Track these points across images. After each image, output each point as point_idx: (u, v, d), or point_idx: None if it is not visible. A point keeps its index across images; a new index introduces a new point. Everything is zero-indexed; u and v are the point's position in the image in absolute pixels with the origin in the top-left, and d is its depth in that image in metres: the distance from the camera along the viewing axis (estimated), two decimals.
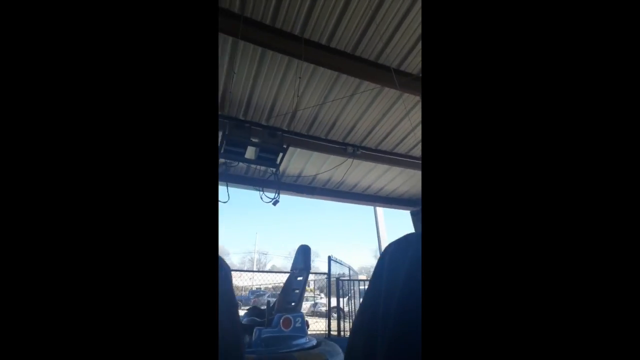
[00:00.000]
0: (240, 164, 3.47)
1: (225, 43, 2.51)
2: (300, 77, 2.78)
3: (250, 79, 2.87)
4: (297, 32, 2.40)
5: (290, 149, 3.46)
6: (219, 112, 3.13)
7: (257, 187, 4.04)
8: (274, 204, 3.72)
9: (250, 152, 3.25)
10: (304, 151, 3.79)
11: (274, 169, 3.39)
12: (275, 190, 3.72)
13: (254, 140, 3.11)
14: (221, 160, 3.29)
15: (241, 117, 3.28)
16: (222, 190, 3.64)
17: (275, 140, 3.14)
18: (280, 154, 3.19)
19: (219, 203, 3.38)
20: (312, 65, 2.68)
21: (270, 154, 3.17)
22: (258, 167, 3.81)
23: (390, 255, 0.38)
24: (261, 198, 3.80)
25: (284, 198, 4.04)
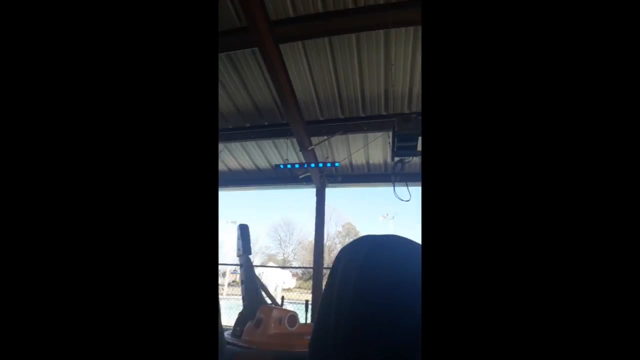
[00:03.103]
0: (414, 159, 3.20)
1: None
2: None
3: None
4: None
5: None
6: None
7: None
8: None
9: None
10: None
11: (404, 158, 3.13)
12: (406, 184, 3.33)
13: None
14: (395, 158, 3.15)
15: (383, 112, 3.40)
16: (401, 190, 3.28)
17: (410, 125, 2.89)
18: (419, 139, 2.93)
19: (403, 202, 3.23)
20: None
21: (408, 141, 2.95)
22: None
23: (344, 257, 0.38)
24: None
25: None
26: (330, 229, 24.76)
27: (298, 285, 22.76)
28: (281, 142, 4.30)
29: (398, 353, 0.28)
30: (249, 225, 3.39)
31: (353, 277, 0.33)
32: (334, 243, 24.42)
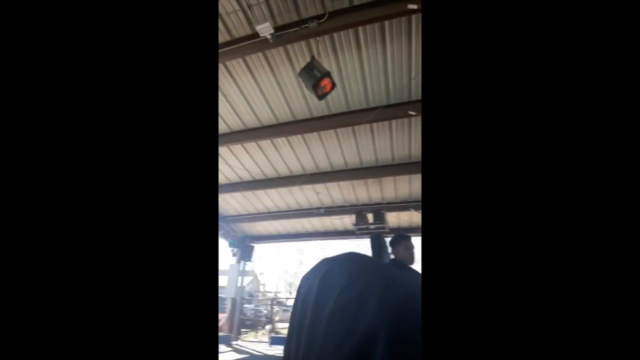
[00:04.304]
0: None
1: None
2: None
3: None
4: None
5: None
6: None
7: None
8: None
9: None
10: None
11: None
12: None
13: None
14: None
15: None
16: None
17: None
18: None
19: None
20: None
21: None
22: None
23: (305, 283, 0.38)
24: None
25: None
26: None
27: None
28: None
29: None
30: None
31: (311, 300, 0.34)
32: None
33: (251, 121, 4.27)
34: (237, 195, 5.86)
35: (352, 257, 0.36)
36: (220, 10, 3.08)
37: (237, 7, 3.08)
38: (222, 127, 4.41)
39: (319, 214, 6.06)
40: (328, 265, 0.37)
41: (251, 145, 4.71)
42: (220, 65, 3.54)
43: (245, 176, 5.37)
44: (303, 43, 3.29)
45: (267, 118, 4.20)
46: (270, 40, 2.99)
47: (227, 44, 3.31)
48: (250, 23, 3.12)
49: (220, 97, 3.95)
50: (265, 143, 4.64)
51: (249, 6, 2.98)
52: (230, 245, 6.90)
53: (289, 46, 3.33)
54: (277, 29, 2.99)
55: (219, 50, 3.27)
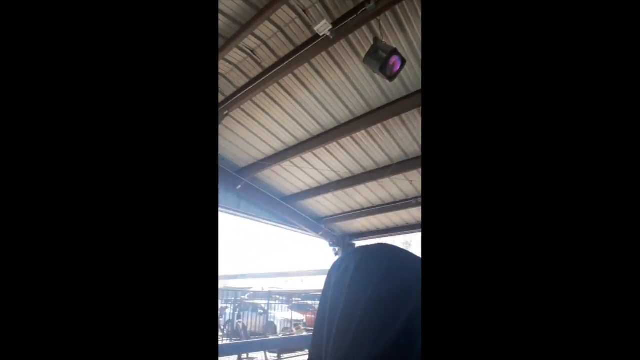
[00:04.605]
0: None
1: None
2: None
3: None
4: None
5: None
6: None
7: None
8: None
9: None
10: None
11: None
12: None
13: None
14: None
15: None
16: None
17: None
18: None
19: None
20: None
21: None
22: None
23: (336, 270, 0.38)
24: None
25: None
26: None
27: None
28: None
29: (385, 357, 0.30)
30: None
31: (344, 289, 0.35)
32: None
33: (328, 122, 4.32)
34: (329, 196, 6.02)
35: (387, 249, 0.37)
36: (279, 23, 3.21)
37: (293, 15, 3.16)
38: (302, 134, 4.59)
39: (417, 204, 5.68)
40: (361, 255, 0.38)
41: (332, 146, 4.76)
42: (290, 75, 3.69)
43: (333, 176, 5.47)
44: (364, 28, 3.14)
45: (342, 115, 4.18)
46: (331, 37, 2.95)
47: (291, 53, 3.43)
48: (308, 26, 3.16)
49: (296, 106, 4.13)
50: (346, 140, 4.62)
51: (304, 10, 3.01)
52: (331, 245, 7.16)
53: (350, 36, 3.22)
54: (335, 22, 2.93)
55: (286, 61, 3.41)
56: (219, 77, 3.91)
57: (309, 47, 3.25)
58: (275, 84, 3.76)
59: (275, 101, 4.11)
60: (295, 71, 3.62)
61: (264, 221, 6.38)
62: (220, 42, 3.28)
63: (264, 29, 3.26)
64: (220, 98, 4.13)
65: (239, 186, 5.39)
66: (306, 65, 3.54)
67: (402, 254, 0.36)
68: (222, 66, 3.72)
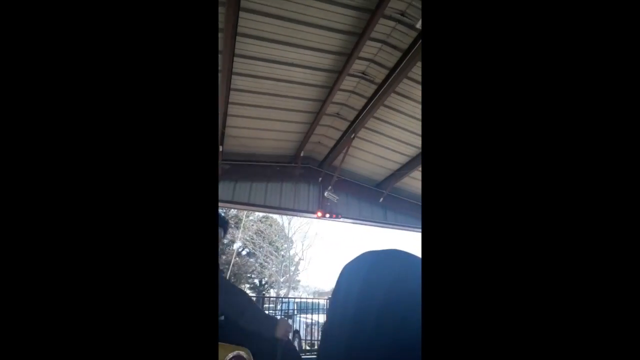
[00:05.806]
0: None
1: None
2: None
3: None
4: None
5: None
6: None
7: None
8: None
9: None
10: None
11: None
12: None
13: None
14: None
15: None
16: None
17: None
18: None
19: None
20: None
21: None
22: None
23: (347, 274, 0.38)
24: None
25: None
26: None
27: None
28: None
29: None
30: None
31: (355, 294, 0.35)
32: None
33: None
34: None
35: (400, 254, 0.37)
36: (380, 37, 3.21)
37: (392, 24, 3.10)
38: None
39: None
40: (374, 259, 0.37)
41: None
42: (406, 80, 3.57)
43: None
44: None
45: None
46: None
47: (400, 59, 3.33)
48: (411, 27, 3.01)
49: (417, 107, 3.92)
50: None
51: (401, 14, 2.91)
52: None
53: None
54: None
55: (397, 68, 3.33)
56: (341, 107, 4.22)
57: (418, 45, 3.07)
58: (393, 94, 3.72)
59: (396, 109, 4.06)
60: (410, 74, 3.48)
61: (410, 229, 6.18)
62: (332, 76, 3.56)
63: (368, 49, 3.34)
64: (345, 125, 4.43)
65: (381, 199, 5.50)
66: (418, 64, 3.36)
67: (416, 260, 0.35)
68: (340, 96, 4.01)
